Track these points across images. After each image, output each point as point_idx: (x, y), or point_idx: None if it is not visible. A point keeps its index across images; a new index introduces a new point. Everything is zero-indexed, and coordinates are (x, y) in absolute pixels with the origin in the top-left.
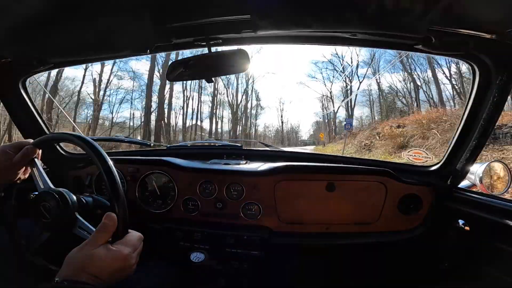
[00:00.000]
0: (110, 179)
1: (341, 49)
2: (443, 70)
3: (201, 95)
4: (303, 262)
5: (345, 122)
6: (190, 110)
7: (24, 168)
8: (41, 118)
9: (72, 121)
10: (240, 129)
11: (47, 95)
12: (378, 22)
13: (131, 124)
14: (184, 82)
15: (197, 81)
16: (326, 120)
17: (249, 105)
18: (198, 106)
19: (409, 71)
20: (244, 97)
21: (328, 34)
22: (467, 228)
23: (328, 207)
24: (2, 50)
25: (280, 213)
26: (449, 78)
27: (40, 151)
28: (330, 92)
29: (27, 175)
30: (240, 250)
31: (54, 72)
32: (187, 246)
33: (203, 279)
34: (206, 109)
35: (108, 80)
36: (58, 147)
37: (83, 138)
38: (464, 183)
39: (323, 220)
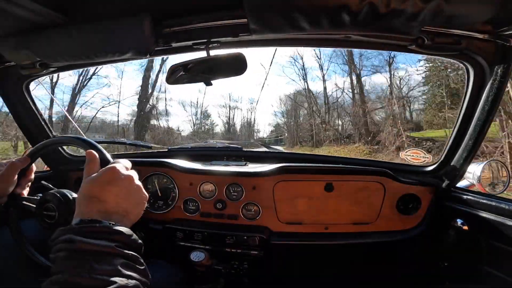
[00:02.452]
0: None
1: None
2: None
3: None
4: (302, 262)
5: None
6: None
7: (17, 181)
8: (44, 121)
9: (75, 124)
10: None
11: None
12: (371, 24)
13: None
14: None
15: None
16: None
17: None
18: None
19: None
20: None
21: (323, 37)
22: (466, 227)
23: (327, 208)
24: (6, 54)
25: (279, 213)
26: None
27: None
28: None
29: (27, 189)
30: (240, 250)
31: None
32: (188, 246)
33: (203, 278)
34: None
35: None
36: (61, 149)
37: (77, 138)
38: (462, 183)
39: (322, 220)
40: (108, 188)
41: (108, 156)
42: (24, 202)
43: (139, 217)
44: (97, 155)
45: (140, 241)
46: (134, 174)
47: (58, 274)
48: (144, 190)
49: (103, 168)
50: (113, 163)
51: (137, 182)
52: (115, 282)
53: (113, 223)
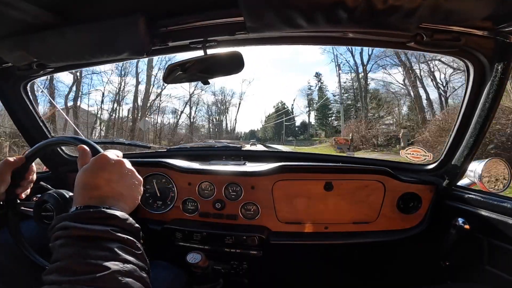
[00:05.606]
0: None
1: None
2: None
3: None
4: (302, 261)
5: None
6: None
7: (10, 180)
8: (42, 122)
9: (73, 125)
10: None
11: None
12: (368, 21)
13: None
14: None
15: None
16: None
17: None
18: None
19: None
20: None
21: (320, 34)
22: (467, 226)
23: (327, 207)
24: (2, 55)
25: (279, 213)
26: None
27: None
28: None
29: (27, 190)
30: (239, 250)
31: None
32: (187, 247)
33: (202, 278)
34: None
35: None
36: (59, 150)
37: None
38: (463, 181)
39: (322, 220)
40: (100, 174)
41: (99, 148)
42: (22, 208)
43: (136, 201)
44: (88, 149)
45: (137, 225)
46: (125, 160)
47: (56, 262)
48: (137, 174)
49: (94, 157)
50: (103, 152)
51: (129, 166)
52: (109, 268)
53: (108, 207)
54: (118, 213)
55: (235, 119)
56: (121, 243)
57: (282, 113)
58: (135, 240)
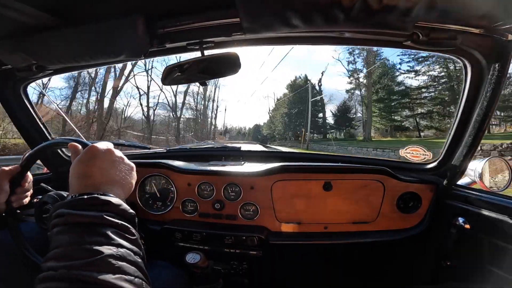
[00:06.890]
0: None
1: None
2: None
3: None
4: (301, 261)
5: None
6: None
7: (9, 189)
8: (43, 123)
9: (74, 126)
10: None
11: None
12: (364, 20)
13: None
14: None
15: None
16: None
17: None
18: None
19: None
20: None
21: (317, 34)
22: (467, 226)
23: (326, 207)
24: (1, 57)
25: (278, 213)
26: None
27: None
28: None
29: (25, 199)
30: (239, 251)
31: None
32: (187, 247)
33: (202, 279)
34: None
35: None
36: (59, 151)
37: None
38: (464, 180)
39: (321, 220)
40: (91, 163)
41: (88, 142)
42: (24, 216)
43: (131, 186)
44: (79, 145)
45: (131, 211)
46: (115, 150)
47: (53, 250)
48: (127, 160)
49: (85, 149)
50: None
51: (119, 154)
52: (102, 252)
53: (102, 193)
54: (112, 199)
55: (215, 112)
56: (115, 228)
57: (302, 87)
58: (129, 225)
